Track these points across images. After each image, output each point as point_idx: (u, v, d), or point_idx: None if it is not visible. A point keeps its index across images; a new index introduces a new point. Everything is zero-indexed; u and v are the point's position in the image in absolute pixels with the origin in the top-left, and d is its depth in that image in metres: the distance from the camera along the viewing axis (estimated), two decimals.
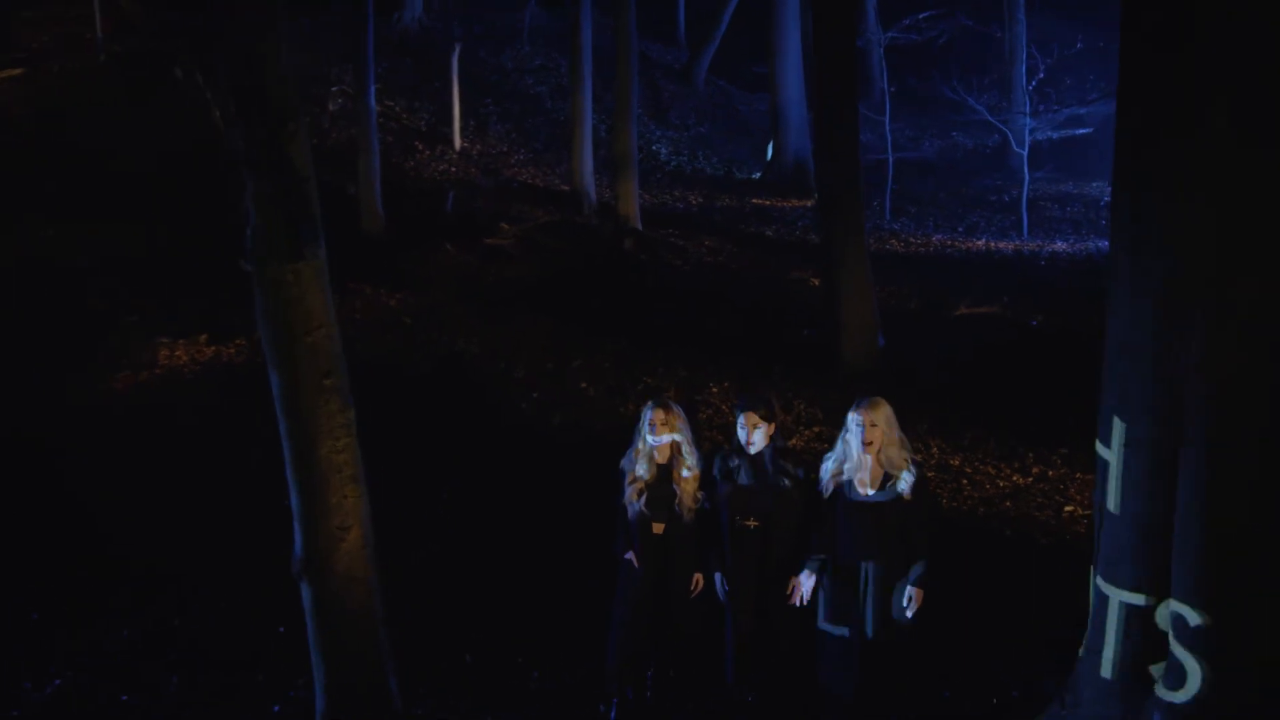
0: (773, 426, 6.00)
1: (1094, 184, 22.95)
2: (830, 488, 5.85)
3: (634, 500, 6.06)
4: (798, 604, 5.87)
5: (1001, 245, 18.04)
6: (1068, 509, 8.69)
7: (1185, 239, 4.69)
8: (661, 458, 6.13)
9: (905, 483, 5.73)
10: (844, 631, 5.80)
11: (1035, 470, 9.38)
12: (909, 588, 5.76)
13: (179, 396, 11.23)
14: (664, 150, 23.76)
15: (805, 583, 5.84)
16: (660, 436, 6.05)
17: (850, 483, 5.81)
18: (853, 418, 5.81)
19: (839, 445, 5.89)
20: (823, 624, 5.89)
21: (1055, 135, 26.87)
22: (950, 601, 6.98)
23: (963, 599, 7.16)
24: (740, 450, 6.04)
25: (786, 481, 5.91)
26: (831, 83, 10.81)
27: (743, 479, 5.98)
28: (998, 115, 19.69)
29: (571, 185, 19.17)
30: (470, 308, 13.70)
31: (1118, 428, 5.14)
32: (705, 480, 6.10)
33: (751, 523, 5.94)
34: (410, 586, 7.61)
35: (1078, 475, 9.19)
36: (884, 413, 5.79)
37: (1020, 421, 10.15)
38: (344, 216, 16.29)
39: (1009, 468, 9.41)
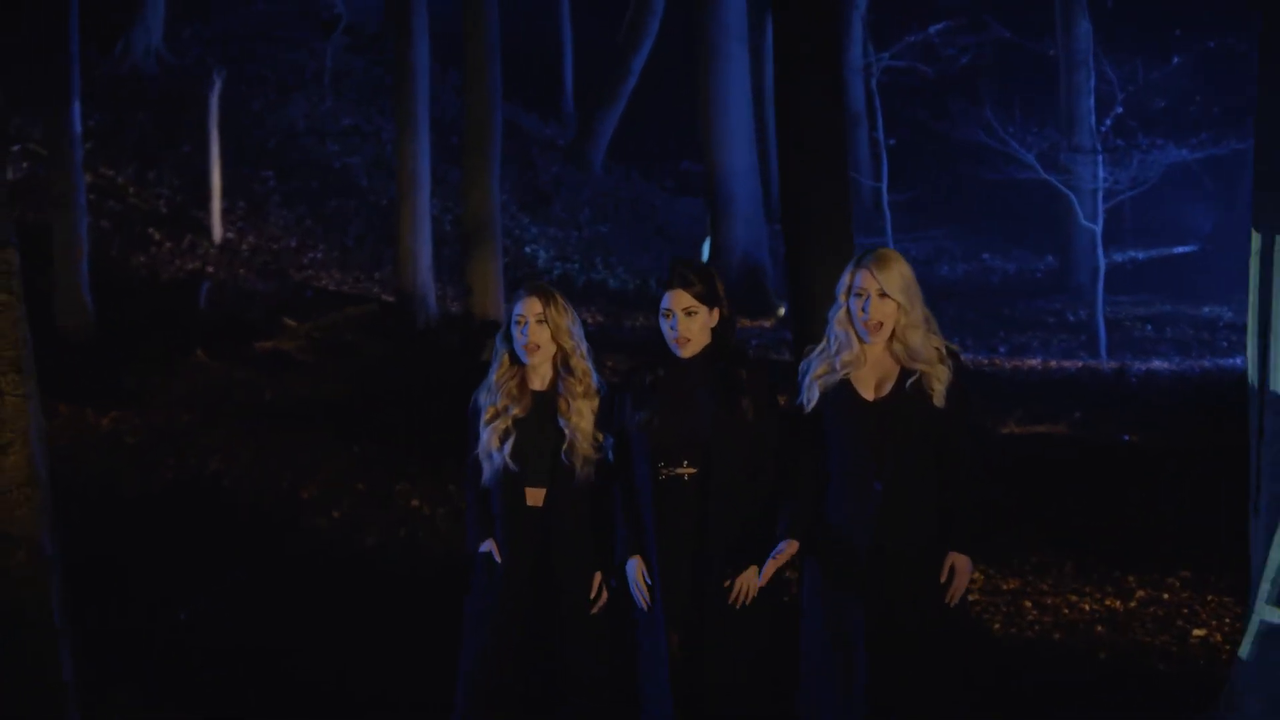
0: (717, 315, 5.94)
1: (1205, 308, 23.93)
2: (814, 397, 5.73)
3: (494, 449, 5.98)
4: (752, 593, 5.75)
5: (1065, 364, 18.79)
6: (1198, 633, 9.29)
7: None
8: (540, 380, 6.08)
9: (937, 384, 5.61)
10: (841, 634, 5.64)
11: (1140, 594, 10.10)
12: (949, 555, 5.61)
13: None
14: (544, 253, 24.10)
15: (775, 556, 5.70)
16: (537, 342, 5.98)
17: (846, 386, 5.71)
18: (850, 282, 5.73)
19: (829, 331, 5.79)
20: (806, 626, 5.78)
21: (1143, 255, 28.19)
22: None
23: None
24: (665, 356, 5.96)
25: (740, 398, 5.82)
26: (806, 120, 10.97)
27: (669, 401, 5.89)
28: (1054, 169, 20.29)
29: (398, 290, 19.28)
30: (233, 428, 14.11)
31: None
32: (609, 414, 6.04)
33: (685, 470, 5.84)
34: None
35: (1210, 598, 9.87)
36: (899, 274, 5.67)
37: (1112, 544, 11.01)
38: (32, 315, 16.27)
39: (1099, 591, 10.23)
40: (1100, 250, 19.83)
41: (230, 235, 21.30)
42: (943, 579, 5.61)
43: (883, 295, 5.67)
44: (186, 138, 22.76)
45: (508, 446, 5.94)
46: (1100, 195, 19.81)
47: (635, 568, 5.87)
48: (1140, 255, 28.22)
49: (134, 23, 24.58)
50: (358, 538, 10.91)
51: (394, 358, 16.18)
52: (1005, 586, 10.03)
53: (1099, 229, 19.77)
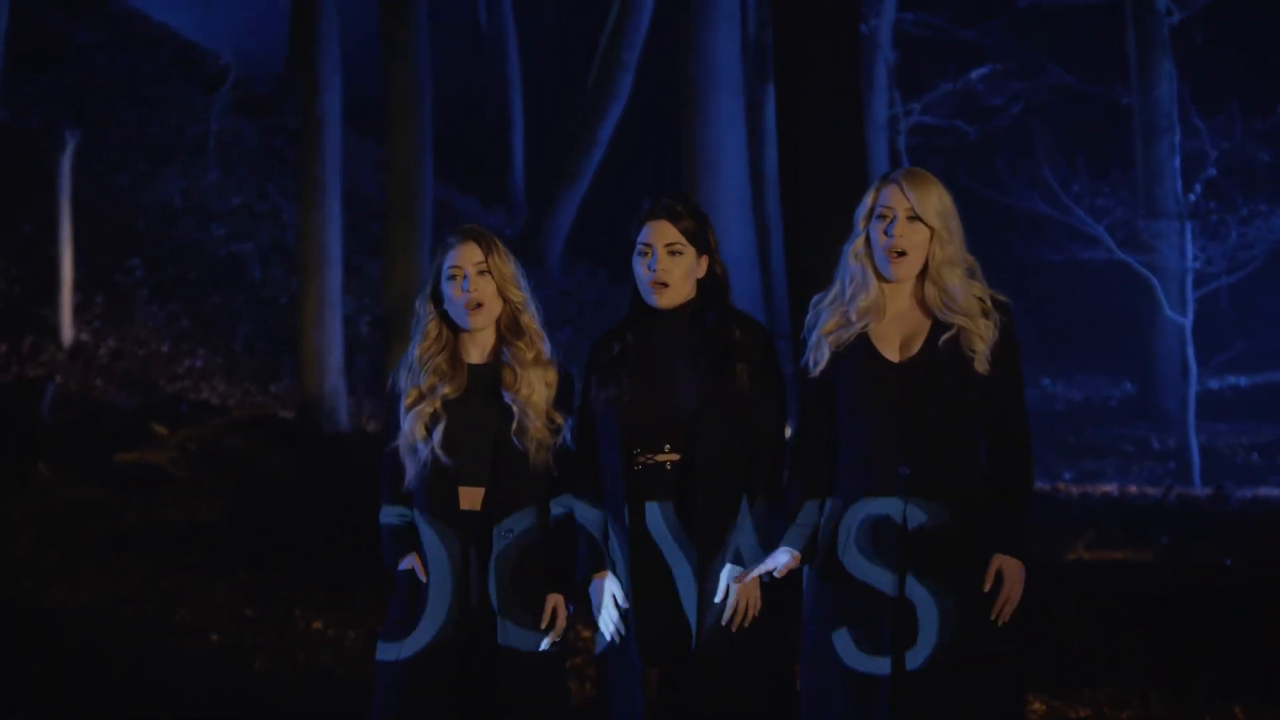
0: (705, 265, 6.03)
1: None
2: (823, 358, 5.74)
3: (420, 440, 6.01)
4: (753, 610, 5.78)
5: (1149, 490, 18.93)
6: None
7: None
8: (479, 350, 6.16)
9: (980, 342, 5.63)
10: (866, 665, 5.61)
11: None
12: (996, 558, 5.60)
13: None
14: None
15: (768, 568, 5.72)
16: (480, 299, 6.05)
17: (863, 343, 5.72)
18: (872, 202, 5.73)
19: (841, 270, 5.79)
20: (812, 649, 5.73)
21: (1245, 381, 28.35)
22: None
23: None
24: (639, 311, 6.04)
25: (733, 364, 5.88)
26: (807, 122, 11.09)
27: (644, 370, 5.96)
28: (1130, 246, 20.43)
29: (300, 401, 19.31)
30: (82, 553, 14.24)
31: None
32: (568, 397, 6.13)
33: (666, 456, 5.90)
34: None
35: None
36: (937, 196, 5.68)
37: (1209, 674, 11.38)
38: None
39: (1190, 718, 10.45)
40: (1190, 350, 19.92)
41: (85, 338, 21.37)
42: (987, 587, 5.59)
43: (912, 218, 5.66)
44: (28, 216, 22.86)
45: (437, 435, 5.95)
46: (1189, 279, 19.91)
47: (602, 589, 5.89)
48: (1243, 381, 28.42)
49: None
50: (243, 663, 10.96)
51: (294, 468, 16.22)
52: (1074, 714, 10.23)
53: (1188, 323, 19.84)
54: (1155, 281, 20.77)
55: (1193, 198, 20.81)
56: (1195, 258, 20.10)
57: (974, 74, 23.08)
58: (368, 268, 23.86)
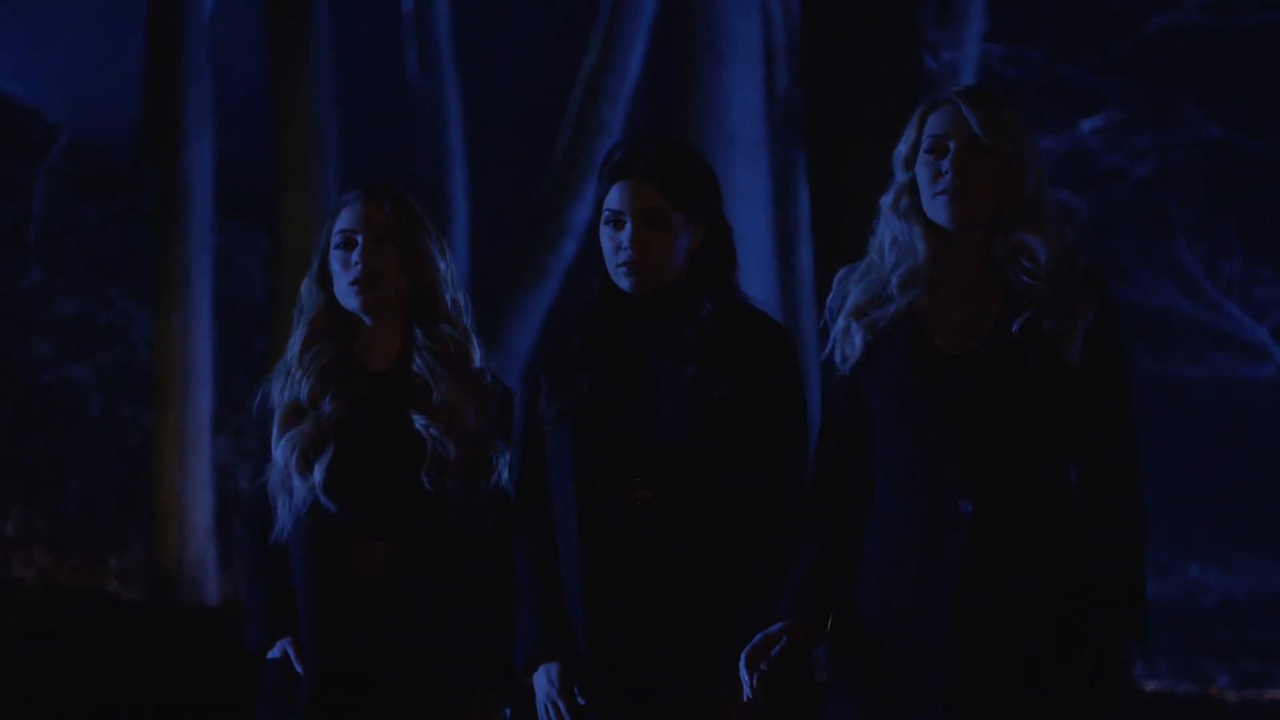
0: (700, 235, 6.10)
1: None
2: (854, 350, 5.71)
3: (297, 472, 6.06)
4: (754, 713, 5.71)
5: None
6: None
7: None
8: (382, 351, 6.26)
9: (1069, 323, 5.56)
10: None
11: None
12: (1094, 631, 5.51)
13: None
14: None
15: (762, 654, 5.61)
16: (376, 270, 6.13)
17: (909, 329, 5.68)
18: (918, 132, 5.65)
19: (877, 231, 5.75)
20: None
21: None
22: None
23: None
24: (608, 295, 6.10)
25: (732, 369, 5.91)
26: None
27: (611, 375, 6.05)
28: None
29: (154, 575, 19.34)
30: None
31: None
32: (506, 420, 6.25)
33: (638, 493, 5.95)
34: None
35: None
36: (1010, 118, 5.57)
37: None
38: None
39: None
40: None
41: None
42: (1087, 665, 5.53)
43: (976, 146, 5.58)
44: None
45: (320, 469, 5.98)
46: None
47: (552, 678, 5.90)
48: None
49: None
50: None
51: (140, 656, 16.23)
52: None
53: None
54: None
55: None
56: None
57: (1084, 125, 23.13)
58: (252, 400, 23.93)
